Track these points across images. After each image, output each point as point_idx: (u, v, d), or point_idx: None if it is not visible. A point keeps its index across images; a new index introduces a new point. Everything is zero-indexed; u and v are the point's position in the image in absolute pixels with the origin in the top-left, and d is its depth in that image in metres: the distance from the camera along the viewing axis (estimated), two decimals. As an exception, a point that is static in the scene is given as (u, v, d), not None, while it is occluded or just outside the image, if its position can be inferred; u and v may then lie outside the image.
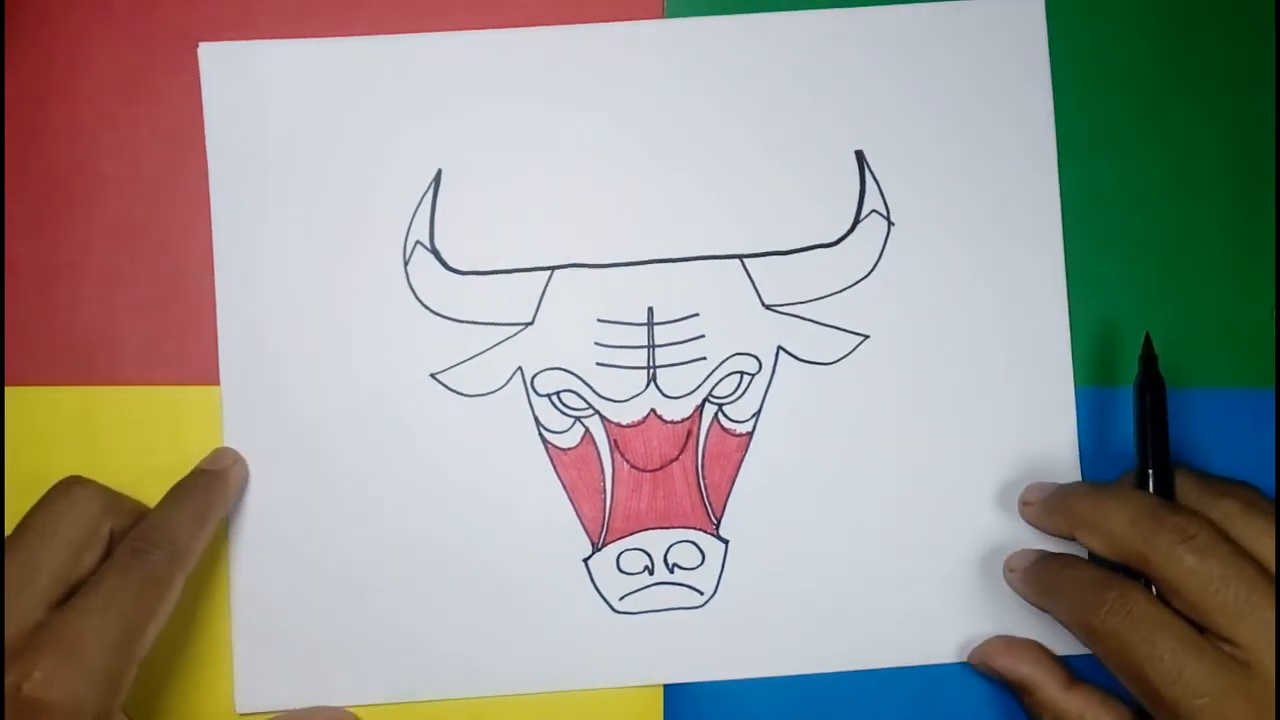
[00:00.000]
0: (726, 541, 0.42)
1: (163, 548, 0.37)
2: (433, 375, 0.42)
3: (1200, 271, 0.43)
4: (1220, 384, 0.43)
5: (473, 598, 0.42)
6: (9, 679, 0.33)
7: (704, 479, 0.42)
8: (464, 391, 0.42)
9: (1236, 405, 0.42)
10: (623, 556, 0.42)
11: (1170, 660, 0.35)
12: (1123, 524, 0.37)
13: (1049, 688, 0.39)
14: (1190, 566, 0.35)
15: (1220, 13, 0.44)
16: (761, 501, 0.42)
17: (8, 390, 0.42)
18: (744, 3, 0.43)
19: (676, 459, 0.42)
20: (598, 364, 0.42)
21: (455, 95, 0.43)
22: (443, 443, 0.42)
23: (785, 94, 0.43)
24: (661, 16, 0.43)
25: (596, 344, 0.42)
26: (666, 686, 0.42)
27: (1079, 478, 0.42)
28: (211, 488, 0.40)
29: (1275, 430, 0.42)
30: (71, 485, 0.38)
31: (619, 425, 0.42)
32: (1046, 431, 0.42)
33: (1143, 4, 0.44)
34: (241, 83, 0.43)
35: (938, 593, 0.42)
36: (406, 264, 0.42)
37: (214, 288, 0.42)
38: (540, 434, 0.42)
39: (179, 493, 0.40)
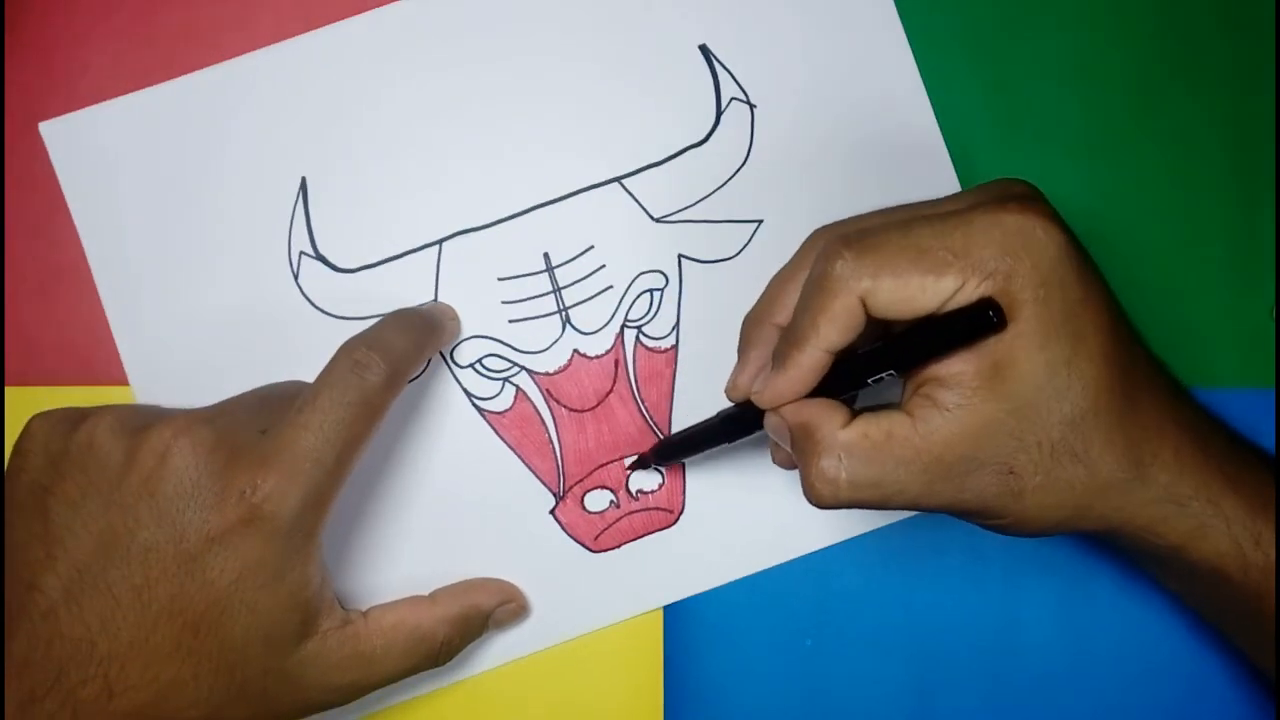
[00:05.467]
0: (681, 455, 0.43)
1: (381, 367, 0.36)
2: (354, 377, 0.42)
3: (1200, 271, 0.43)
4: (1220, 384, 0.42)
5: (455, 575, 0.42)
6: (236, 484, 0.34)
7: (643, 402, 0.43)
8: (389, 385, 0.42)
9: (1236, 405, 0.41)
10: (587, 498, 0.42)
11: (918, 228, 0.32)
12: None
13: (826, 425, 0.33)
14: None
15: (1220, 9, 0.43)
16: (705, 407, 0.42)
17: (8, 390, 0.42)
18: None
19: (611, 391, 0.43)
20: (510, 321, 0.42)
21: (293, 103, 0.43)
22: (381, 441, 0.42)
23: (618, 9, 0.43)
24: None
25: (503, 302, 0.42)
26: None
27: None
28: (429, 325, 0.40)
29: (1275, 430, 0.42)
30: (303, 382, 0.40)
31: (546, 375, 0.42)
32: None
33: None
34: (90, 149, 0.43)
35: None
36: (296, 276, 0.42)
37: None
38: (474, 405, 0.42)
39: (402, 318, 0.40)
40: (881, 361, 0.33)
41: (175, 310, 0.42)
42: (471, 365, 0.42)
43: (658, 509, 0.42)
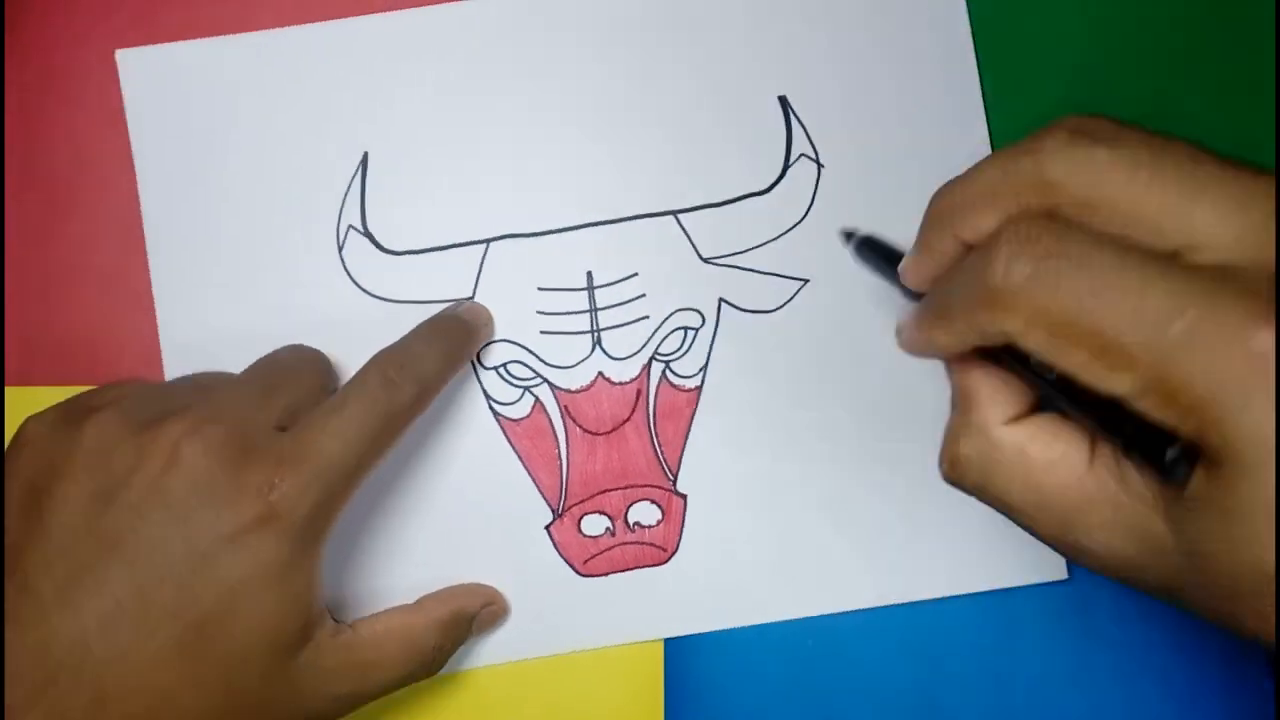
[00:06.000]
0: (685, 496, 0.42)
1: (412, 384, 0.36)
2: (378, 358, 0.42)
3: None
4: None
5: (438, 574, 0.42)
6: (252, 482, 0.34)
7: (657, 437, 0.42)
8: (411, 371, 0.42)
9: None
10: (584, 520, 0.42)
11: (1119, 284, 0.24)
12: (990, 180, 0.28)
13: (988, 409, 0.29)
14: (1097, 160, 0.25)
15: (1220, 9, 0.43)
16: (717, 453, 0.42)
17: (8, 390, 0.42)
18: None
19: (628, 419, 0.42)
20: (541, 332, 0.42)
21: (373, 77, 0.43)
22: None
23: (706, 44, 0.43)
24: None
25: (538, 312, 0.42)
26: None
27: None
28: (464, 337, 0.40)
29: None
30: (304, 347, 0.40)
31: (568, 391, 0.42)
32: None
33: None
34: (161, 85, 0.43)
35: (901, 529, 0.42)
36: (341, 249, 0.42)
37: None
38: (491, 407, 0.42)
39: (434, 329, 0.40)
40: (1060, 391, 0.27)
41: (215, 261, 0.42)
42: (495, 368, 0.42)
43: (651, 545, 0.42)
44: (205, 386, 0.38)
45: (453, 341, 0.39)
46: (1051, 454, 0.28)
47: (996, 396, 0.29)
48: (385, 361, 0.37)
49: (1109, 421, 0.25)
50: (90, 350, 0.42)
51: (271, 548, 0.34)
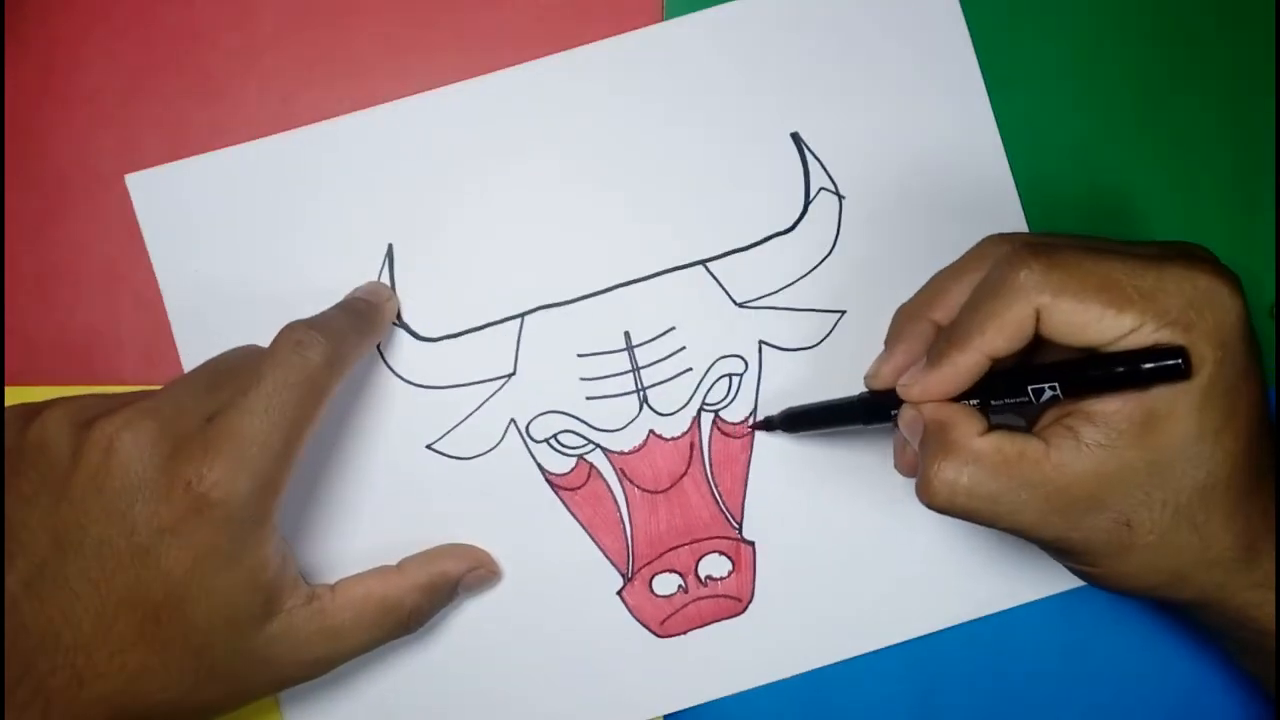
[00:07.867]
0: (752, 543, 0.42)
1: (322, 344, 0.36)
2: (429, 446, 0.42)
3: None
4: None
5: (517, 650, 0.42)
6: (182, 474, 0.33)
7: (716, 487, 0.42)
8: (462, 455, 0.42)
9: None
10: (655, 580, 0.42)
11: (1106, 258, 0.32)
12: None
13: (964, 427, 0.33)
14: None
15: (1220, 9, 0.44)
16: (778, 496, 0.42)
17: (8, 390, 0.42)
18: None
19: (685, 474, 0.42)
20: (587, 398, 0.42)
21: (386, 169, 0.43)
22: (453, 510, 0.42)
23: (712, 94, 0.43)
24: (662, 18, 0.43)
25: (581, 379, 0.42)
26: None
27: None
28: (370, 313, 0.40)
29: (1275, 430, 0.42)
30: (253, 347, 0.39)
31: (621, 454, 0.42)
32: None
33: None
34: (175, 200, 0.42)
35: (965, 548, 0.42)
36: (379, 342, 0.42)
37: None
38: (546, 479, 0.42)
39: (344, 303, 0.40)
40: (1051, 375, 0.32)
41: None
42: (547, 440, 0.42)
43: (726, 597, 0.42)
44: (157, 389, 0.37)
45: (359, 311, 0.40)
46: (1019, 446, 0.32)
47: (965, 418, 0.33)
48: (291, 328, 0.37)
49: (1118, 376, 0.31)
50: (90, 350, 0.42)
51: (210, 536, 0.34)
